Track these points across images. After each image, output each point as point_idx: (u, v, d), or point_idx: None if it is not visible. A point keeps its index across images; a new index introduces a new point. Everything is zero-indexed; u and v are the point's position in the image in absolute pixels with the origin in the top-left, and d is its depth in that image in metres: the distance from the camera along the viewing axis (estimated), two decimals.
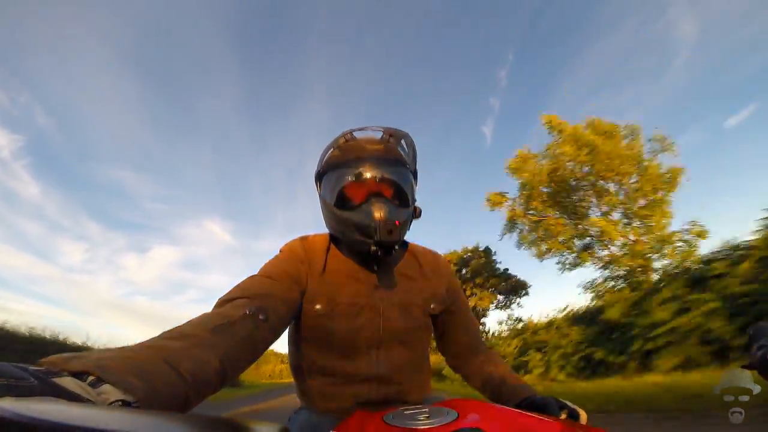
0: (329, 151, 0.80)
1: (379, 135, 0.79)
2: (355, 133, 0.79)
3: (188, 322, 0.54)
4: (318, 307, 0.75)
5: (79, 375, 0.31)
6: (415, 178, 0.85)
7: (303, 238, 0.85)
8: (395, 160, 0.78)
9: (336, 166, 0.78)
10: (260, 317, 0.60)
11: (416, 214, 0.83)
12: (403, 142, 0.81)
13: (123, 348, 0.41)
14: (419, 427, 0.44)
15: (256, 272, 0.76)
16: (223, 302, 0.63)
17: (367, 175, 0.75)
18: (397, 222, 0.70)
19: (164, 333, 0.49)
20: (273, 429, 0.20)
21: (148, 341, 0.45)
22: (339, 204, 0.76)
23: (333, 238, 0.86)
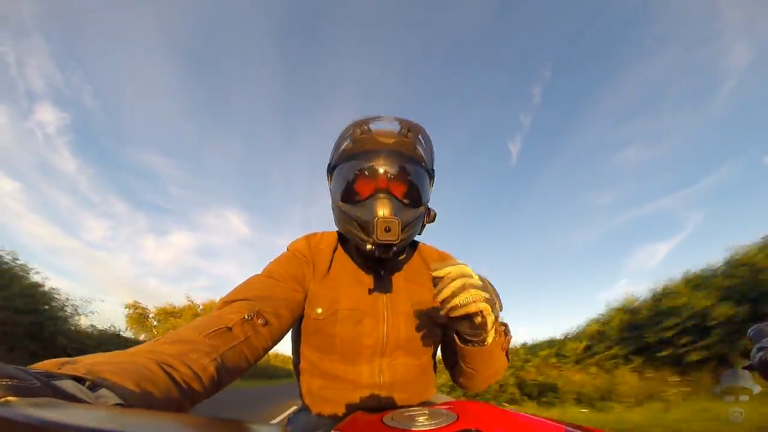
0: (343, 143, 0.75)
1: (395, 127, 0.75)
2: (370, 124, 0.74)
3: (186, 326, 0.54)
4: (319, 311, 0.73)
5: (76, 379, 0.32)
6: (432, 177, 0.80)
7: (309, 237, 0.82)
8: (411, 156, 0.74)
9: (348, 159, 0.74)
10: (259, 321, 0.60)
11: (429, 216, 0.80)
12: (420, 137, 0.76)
13: (117, 353, 0.41)
14: (418, 429, 0.44)
15: (260, 271, 0.75)
16: (224, 303, 0.62)
17: (379, 170, 0.71)
18: (397, 221, 0.65)
19: (160, 337, 0.50)
20: (272, 430, 0.20)
21: (143, 346, 0.46)
22: (346, 198, 0.73)
23: (341, 238, 0.83)
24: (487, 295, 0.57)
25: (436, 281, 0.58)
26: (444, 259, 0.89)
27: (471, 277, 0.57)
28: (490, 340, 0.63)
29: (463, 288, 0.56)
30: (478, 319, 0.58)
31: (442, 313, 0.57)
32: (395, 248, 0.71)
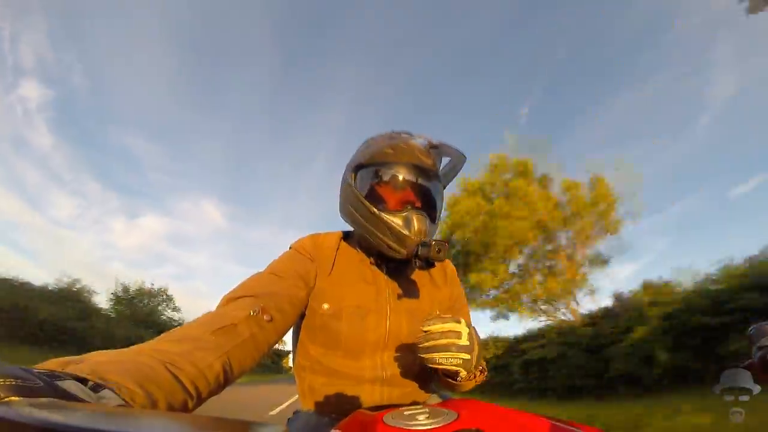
0: (382, 147, 0.77)
1: (425, 144, 0.79)
2: (405, 137, 0.78)
3: (191, 322, 0.54)
4: (326, 306, 0.75)
5: (79, 380, 0.32)
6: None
7: (313, 236, 0.84)
8: (436, 173, 0.78)
9: (384, 164, 0.76)
10: (265, 317, 0.60)
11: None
12: (445, 157, 0.81)
13: (122, 352, 0.41)
14: (419, 428, 0.44)
15: (263, 269, 0.75)
16: (228, 300, 0.63)
17: (418, 184, 0.75)
18: (446, 243, 0.69)
19: (165, 335, 0.50)
20: (273, 429, 0.20)
21: (148, 344, 0.46)
22: (378, 203, 0.75)
23: (343, 238, 0.85)
24: (467, 357, 0.61)
25: (423, 335, 0.62)
26: (443, 263, 0.92)
27: (459, 337, 0.61)
28: (463, 382, 0.71)
29: (446, 348, 0.60)
30: (456, 375, 0.65)
31: (420, 354, 0.63)
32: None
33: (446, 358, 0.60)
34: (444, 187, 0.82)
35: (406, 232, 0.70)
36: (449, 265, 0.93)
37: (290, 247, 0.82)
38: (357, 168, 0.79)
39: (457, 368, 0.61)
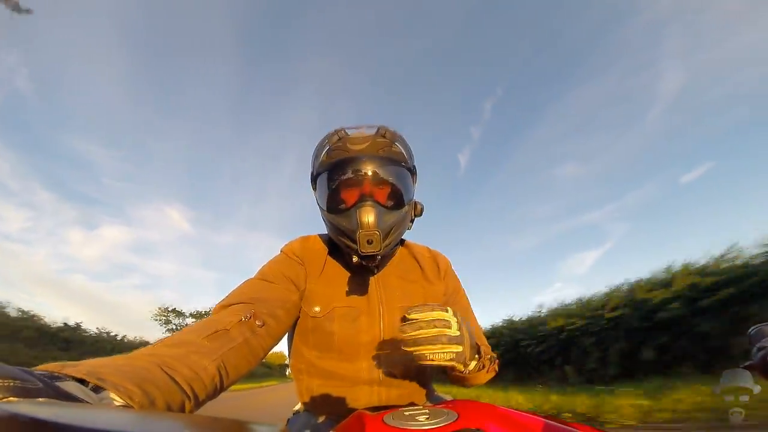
0: (321, 152, 0.76)
1: (370, 131, 0.75)
2: (346, 130, 0.74)
3: (184, 329, 0.55)
4: (317, 309, 0.75)
5: (79, 381, 0.32)
6: (414, 174, 0.81)
7: (304, 239, 0.84)
8: (389, 158, 0.75)
9: (325, 169, 0.75)
10: (257, 323, 0.60)
11: (417, 211, 0.81)
12: (396, 140, 0.77)
13: (118, 357, 0.42)
14: (419, 428, 0.44)
15: (253, 275, 0.75)
16: (220, 308, 0.63)
17: (360, 175, 0.72)
18: (378, 233, 0.66)
19: (160, 341, 0.50)
20: (272, 430, 0.20)
21: (143, 350, 0.46)
22: (332, 207, 0.74)
23: (332, 240, 0.84)
24: (458, 349, 0.55)
25: (406, 323, 0.55)
26: (435, 257, 0.90)
27: (449, 326, 0.55)
28: (467, 369, 0.63)
29: (435, 339, 0.54)
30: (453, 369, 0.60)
31: (406, 348, 0.55)
32: (379, 258, 0.72)
33: (436, 352, 0.54)
34: (406, 162, 0.77)
35: (352, 228, 0.68)
36: (442, 258, 0.91)
37: (280, 251, 0.82)
38: (313, 179, 0.79)
39: (451, 363, 0.56)
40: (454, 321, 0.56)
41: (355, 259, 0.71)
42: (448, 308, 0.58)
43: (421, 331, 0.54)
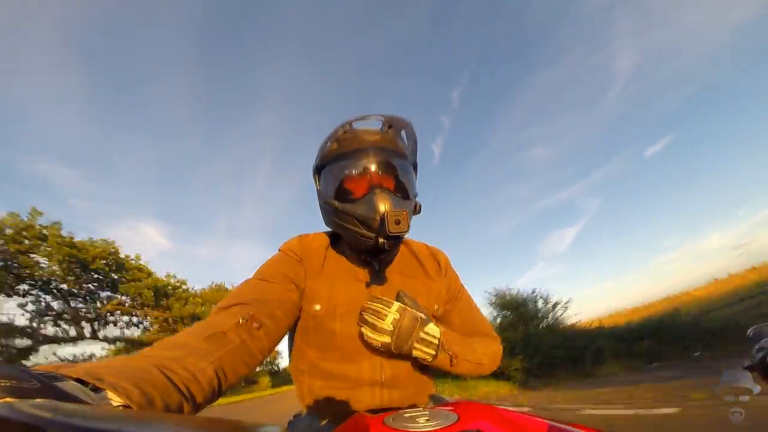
0: (327, 143, 0.76)
1: (379, 125, 0.76)
2: (354, 124, 0.76)
3: (181, 332, 0.55)
4: (317, 307, 0.74)
5: (78, 381, 0.31)
6: (415, 170, 0.82)
7: (302, 237, 0.83)
8: (395, 151, 0.75)
9: (335, 159, 0.75)
10: (254, 325, 0.60)
11: (416, 209, 0.80)
12: (403, 132, 0.78)
13: (115, 358, 0.42)
14: (419, 430, 0.44)
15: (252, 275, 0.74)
16: (218, 310, 0.63)
17: (369, 167, 0.72)
18: (405, 212, 0.67)
19: (158, 344, 0.50)
20: (273, 431, 0.20)
21: (141, 352, 0.46)
22: (344, 196, 0.74)
23: (332, 237, 0.84)
24: (386, 340, 0.67)
25: (362, 306, 0.70)
26: (434, 254, 0.90)
27: (382, 319, 0.67)
28: (437, 364, 0.74)
29: (370, 325, 0.68)
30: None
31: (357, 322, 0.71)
32: (401, 239, 0.75)
33: (368, 335, 0.68)
34: (409, 158, 0.79)
35: (371, 215, 0.68)
36: (441, 255, 0.91)
37: (279, 250, 0.81)
38: (317, 171, 0.80)
39: (381, 346, 0.68)
40: (391, 317, 0.67)
41: (381, 240, 0.70)
42: (395, 304, 0.68)
43: (364, 314, 0.69)
